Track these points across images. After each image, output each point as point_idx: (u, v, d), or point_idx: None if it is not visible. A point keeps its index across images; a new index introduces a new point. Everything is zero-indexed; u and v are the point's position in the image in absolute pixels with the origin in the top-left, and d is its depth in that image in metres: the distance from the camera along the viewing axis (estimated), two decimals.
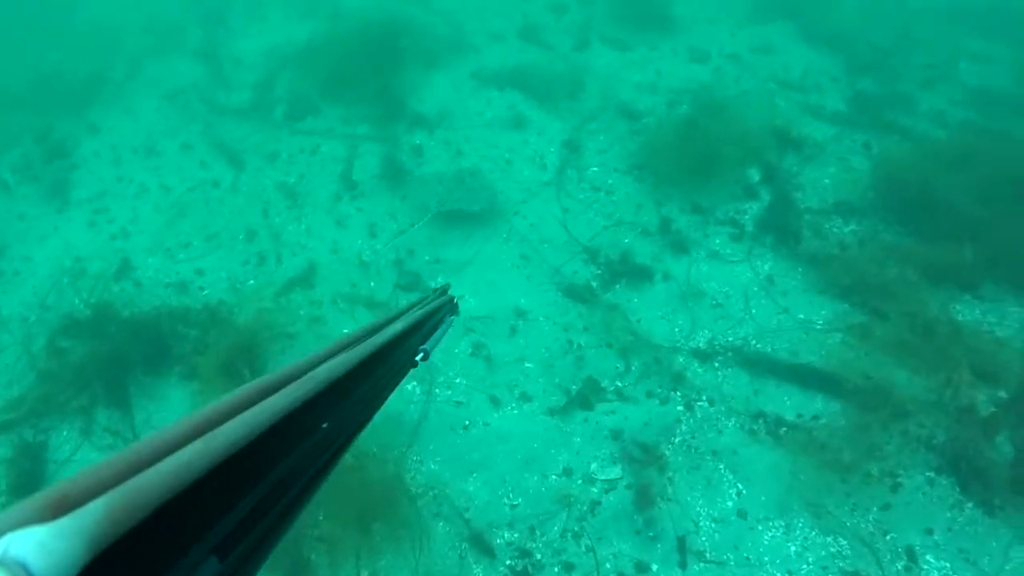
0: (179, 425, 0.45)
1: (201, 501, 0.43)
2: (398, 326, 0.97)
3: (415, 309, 1.22)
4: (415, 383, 5.74)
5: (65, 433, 5.80)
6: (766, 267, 6.39)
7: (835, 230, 6.70)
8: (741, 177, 7.01)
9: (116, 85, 9.24)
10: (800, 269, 6.38)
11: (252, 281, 6.67)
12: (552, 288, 6.27)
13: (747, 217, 6.77)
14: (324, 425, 0.66)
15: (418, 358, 1.09)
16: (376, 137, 7.81)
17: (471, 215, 6.85)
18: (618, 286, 6.28)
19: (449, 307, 1.51)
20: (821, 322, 6.03)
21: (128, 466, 0.39)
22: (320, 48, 9.01)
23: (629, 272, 6.33)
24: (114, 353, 6.17)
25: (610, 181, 7.13)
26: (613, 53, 8.83)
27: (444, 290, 1.61)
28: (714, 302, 6.17)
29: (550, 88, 8.14)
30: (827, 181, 7.09)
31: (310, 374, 0.63)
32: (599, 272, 6.37)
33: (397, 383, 0.98)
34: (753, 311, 6.10)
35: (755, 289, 6.23)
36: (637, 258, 6.43)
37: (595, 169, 7.25)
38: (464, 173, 7.19)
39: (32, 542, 0.31)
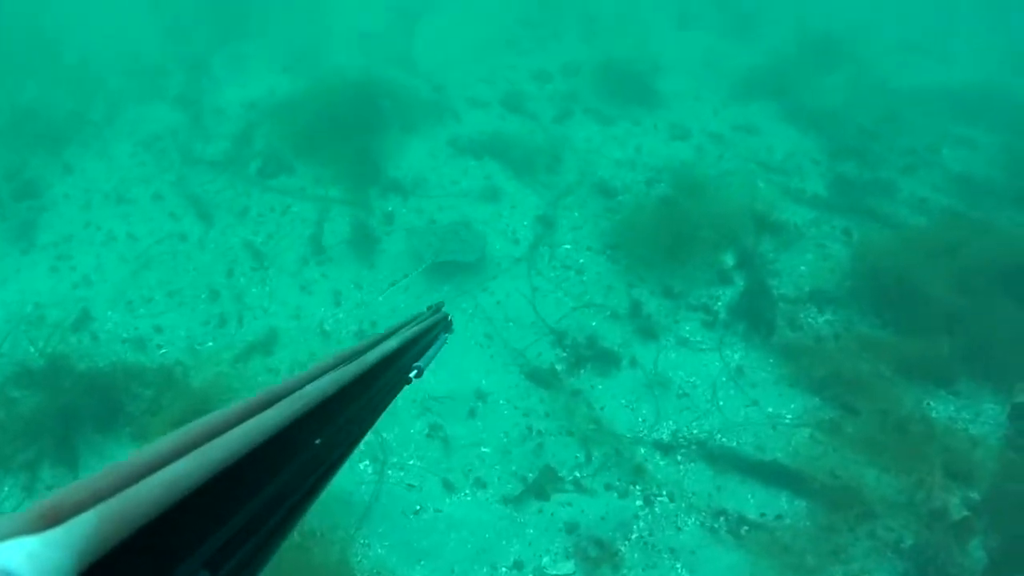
0: (172, 438, 0.45)
1: (193, 515, 0.42)
2: (392, 343, 0.97)
3: (409, 326, 1.21)
4: (367, 462, 5.56)
5: (7, 489, 5.57)
6: (736, 357, 6.28)
7: (810, 320, 6.62)
8: (716, 261, 6.94)
9: (94, 126, 9.12)
10: (771, 360, 6.28)
11: (211, 343, 6.50)
12: (515, 370, 6.14)
13: (720, 304, 6.68)
14: (317, 441, 0.65)
15: (412, 375, 1.08)
16: (348, 201, 7.71)
17: (463, 266, 6.87)
18: (583, 371, 6.14)
19: (443, 324, 1.51)
20: (790, 416, 5.91)
21: (120, 478, 0.38)
22: (300, 103, 8.94)
23: (595, 357, 6.21)
24: (66, 408, 5.96)
25: (582, 260, 7.04)
26: (594, 126, 8.82)
27: (438, 308, 1.59)
28: (680, 392, 6.04)
29: (528, 159, 8.10)
30: (804, 268, 7.04)
31: (304, 390, 0.63)
32: (564, 355, 6.25)
33: (391, 400, 0.97)
34: (720, 403, 5.98)
35: (724, 379, 6.12)
36: (604, 342, 6.31)
37: (567, 247, 7.17)
38: (457, 225, 7.21)
39: (22, 553, 0.31)
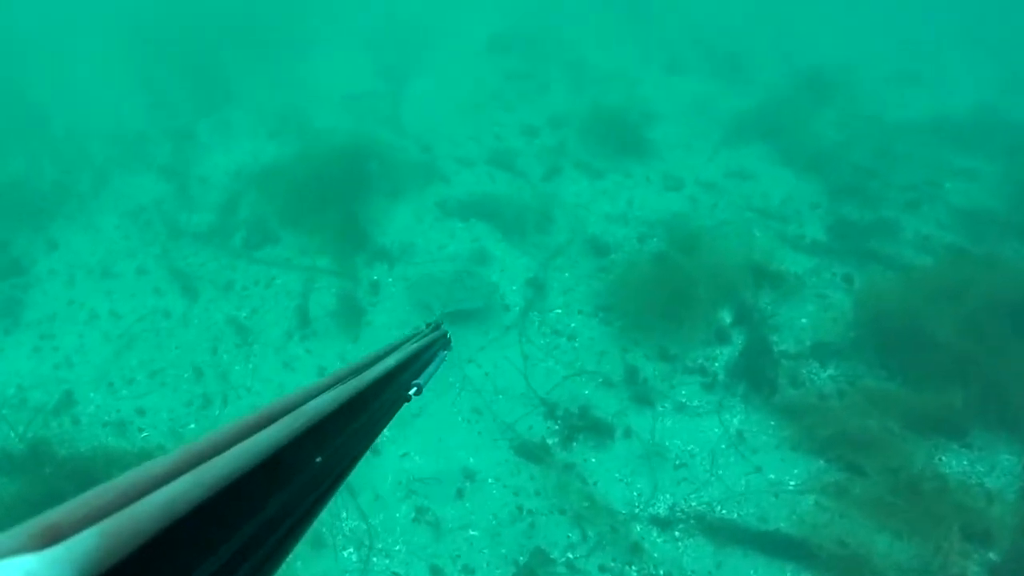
0: (172, 457, 0.44)
1: (193, 533, 0.41)
2: (391, 361, 0.97)
3: (409, 344, 1.20)
4: (352, 549, 5.33)
5: None
6: (736, 421, 6.04)
7: (812, 376, 6.38)
8: (713, 319, 6.72)
9: (80, 198, 9.05)
10: (773, 422, 6.03)
11: (193, 425, 6.32)
12: (504, 445, 5.90)
13: (718, 364, 6.45)
14: (317, 459, 0.64)
15: (411, 392, 1.08)
16: (334, 271, 7.56)
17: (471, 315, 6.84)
18: (575, 444, 5.90)
19: (442, 342, 1.50)
20: (794, 482, 5.65)
21: (120, 497, 0.38)
22: (286, 170, 8.83)
23: (588, 428, 5.97)
24: (46, 496, 5.77)
25: (573, 325, 6.83)
26: (584, 180, 8.66)
27: (437, 325, 1.57)
28: (678, 462, 5.79)
29: (517, 220, 7.94)
30: (804, 320, 6.81)
31: (304, 408, 0.62)
32: (556, 428, 6.01)
33: (390, 418, 0.96)
34: (720, 471, 5.73)
35: (723, 447, 5.87)
36: (597, 412, 6.07)
37: (558, 311, 6.97)
38: (461, 272, 7.19)
39: (21, 571, 0.31)
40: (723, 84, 10.81)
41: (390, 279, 7.40)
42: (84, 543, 0.33)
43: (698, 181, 8.62)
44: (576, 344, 6.65)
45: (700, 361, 6.45)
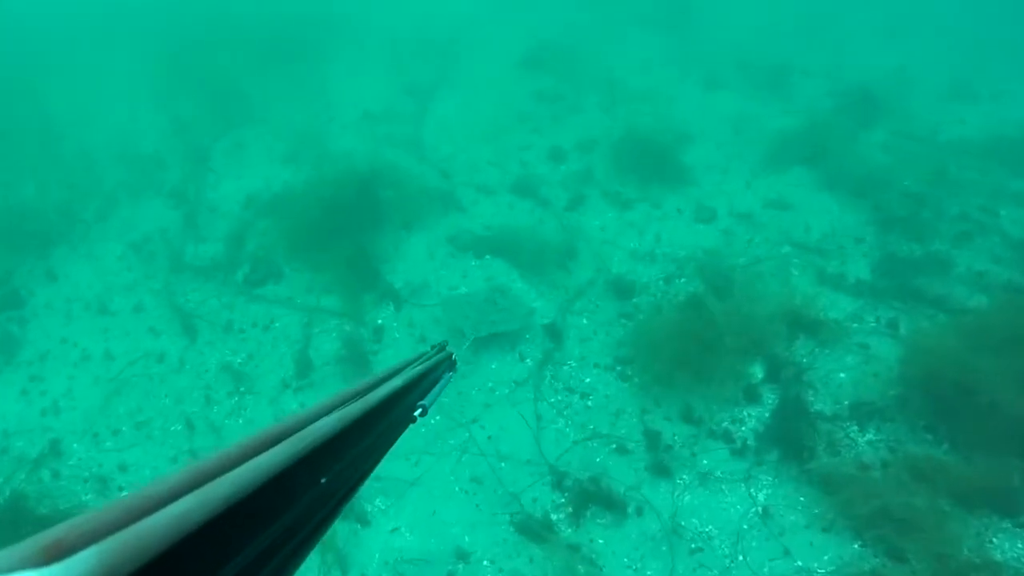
0: (177, 476, 0.44)
1: (197, 552, 0.40)
2: (397, 382, 0.95)
3: (414, 365, 1.18)
4: None
5: None
6: (762, 496, 5.38)
7: (850, 441, 5.69)
8: (743, 374, 6.06)
9: (85, 225, 8.73)
10: (802, 498, 5.36)
11: None
12: (504, 521, 5.33)
13: (746, 428, 5.79)
14: (323, 480, 0.63)
15: (416, 413, 1.05)
16: (338, 312, 7.07)
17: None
18: (584, 520, 5.31)
19: (447, 364, 1.49)
20: (823, 571, 4.99)
21: (123, 515, 0.37)
22: (297, 199, 8.40)
23: (599, 501, 5.37)
24: None
25: (588, 380, 6.23)
26: (611, 211, 8.04)
27: (442, 347, 1.55)
28: (696, 545, 5.16)
29: (537, 255, 7.36)
30: (843, 375, 6.10)
31: (310, 428, 0.61)
32: (563, 501, 5.42)
33: (395, 439, 0.94)
34: (742, 556, 5.09)
35: (746, 526, 5.22)
36: (610, 483, 5.46)
37: (572, 364, 6.37)
38: (494, 292, 6.80)
39: None
40: (764, 102, 10.07)
41: (395, 323, 6.88)
42: (84, 562, 0.33)
43: (733, 212, 7.93)
44: (590, 403, 6.05)
45: (726, 424, 5.80)
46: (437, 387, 1.26)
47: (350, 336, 6.76)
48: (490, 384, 6.21)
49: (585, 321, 6.73)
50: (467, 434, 5.88)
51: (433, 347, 1.53)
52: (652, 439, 5.70)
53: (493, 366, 6.36)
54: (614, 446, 5.70)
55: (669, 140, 9.13)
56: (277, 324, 7.07)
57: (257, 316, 7.18)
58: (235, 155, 9.72)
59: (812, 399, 5.91)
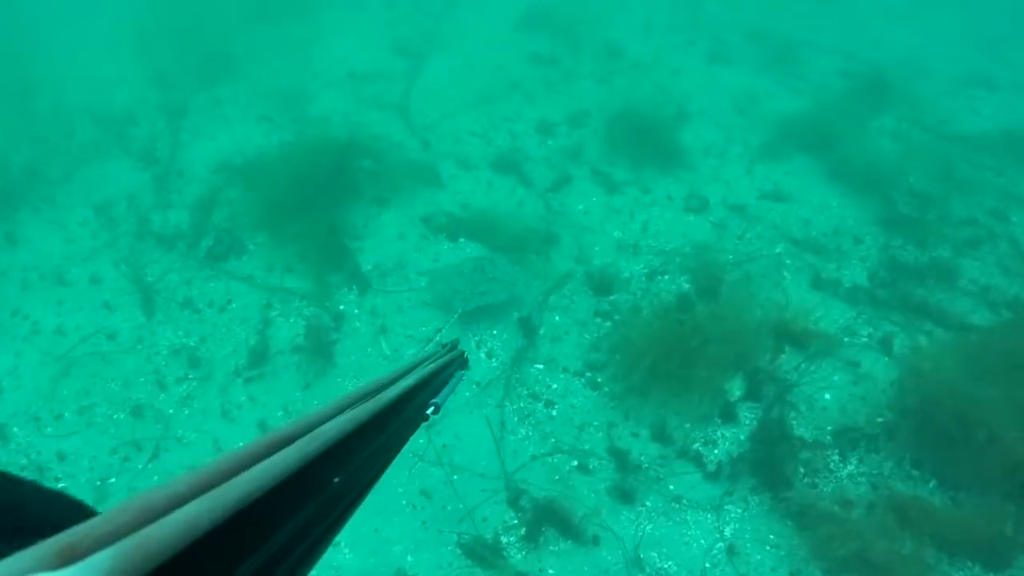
0: (190, 478, 0.44)
1: (211, 554, 0.41)
2: (409, 381, 0.94)
3: (425, 364, 1.16)
4: None
5: None
6: (730, 530, 5.03)
7: (830, 473, 5.32)
8: (721, 390, 5.66)
9: (50, 186, 8.31)
10: (772, 535, 5.01)
11: (114, 479, 5.60)
12: (451, 542, 5.00)
13: (719, 451, 5.42)
14: (336, 480, 0.62)
15: (429, 412, 1.04)
16: (301, 293, 6.68)
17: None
18: (536, 545, 4.97)
19: (459, 361, 1.45)
20: None
21: (137, 517, 0.37)
22: (270, 164, 7.96)
23: (554, 525, 5.03)
24: None
25: (555, 386, 5.84)
26: (596, 194, 7.55)
27: (454, 345, 1.50)
28: None
29: (514, 242, 6.91)
30: (829, 396, 5.71)
31: (322, 428, 0.61)
32: (515, 522, 5.08)
33: (408, 437, 0.92)
34: None
35: (709, 565, 4.88)
36: (566, 507, 5.11)
37: (539, 367, 5.98)
38: (482, 260, 6.47)
39: None
40: (771, 80, 9.45)
41: (357, 311, 6.49)
42: (99, 564, 0.33)
43: (726, 202, 7.43)
44: (555, 412, 5.67)
45: (698, 445, 5.42)
46: (449, 385, 1.24)
47: (310, 322, 6.37)
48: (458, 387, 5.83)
49: (558, 318, 6.32)
50: (424, 440, 5.53)
51: (443, 345, 1.50)
52: (618, 458, 5.34)
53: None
54: (576, 463, 5.34)
55: (666, 117, 8.59)
56: (235, 304, 6.69)
57: (215, 294, 6.81)
58: (211, 113, 9.24)
59: (794, 422, 5.51)
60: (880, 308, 6.35)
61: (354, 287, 6.69)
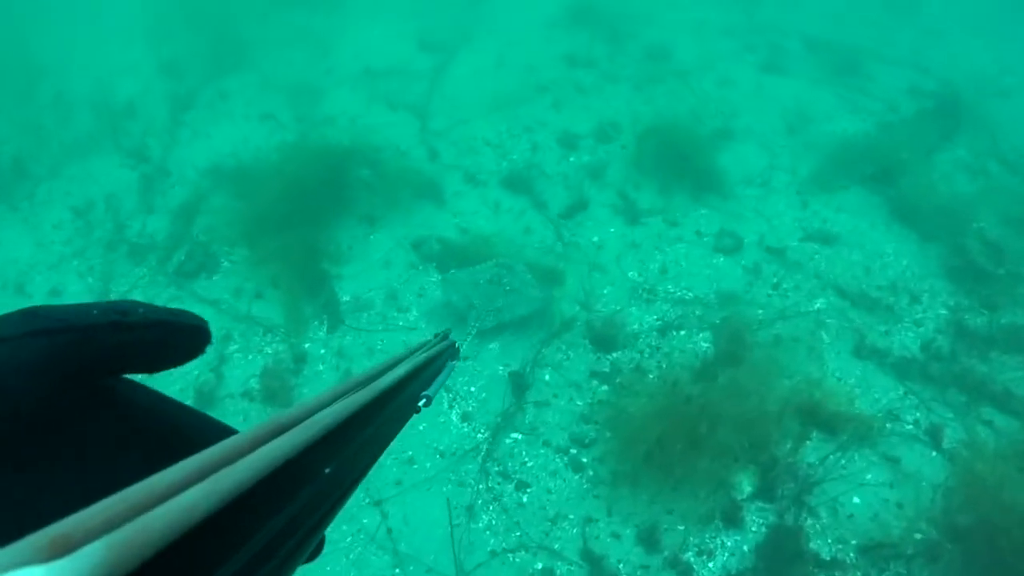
0: (182, 467, 0.41)
1: (204, 544, 0.39)
2: (400, 371, 0.87)
3: (417, 354, 1.08)
4: None
5: None
6: None
7: None
8: (727, 484, 4.73)
9: (34, 182, 7.77)
10: None
11: None
12: None
13: (715, 565, 4.49)
14: (327, 470, 0.59)
15: (420, 404, 1.00)
16: (267, 325, 5.95)
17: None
18: None
19: (450, 351, 1.36)
20: None
21: (130, 508, 0.36)
22: (263, 171, 7.26)
23: None
24: None
25: (531, 463, 4.97)
26: (615, 224, 6.63)
27: (445, 335, 1.39)
28: None
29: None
30: (857, 500, 4.72)
31: (315, 417, 0.57)
32: None
33: (399, 429, 0.88)
34: None
35: None
36: None
37: (518, 436, 5.12)
38: (500, 269, 5.73)
39: None
40: (830, 95, 8.30)
41: (323, 350, 5.73)
42: (92, 555, 0.32)
43: (764, 242, 6.42)
44: (526, 497, 4.81)
45: (691, 555, 4.50)
46: (440, 376, 1.16)
47: (268, 363, 5.64)
48: (410, 452, 5.02)
49: (548, 376, 5.44)
50: (377, 518, 4.74)
51: (436, 335, 1.37)
52: (592, 564, 4.46)
53: (421, 427, 5.15)
54: (540, 566, 4.48)
55: (706, 134, 7.58)
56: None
57: None
58: (215, 108, 8.57)
59: (811, 531, 4.55)
60: (933, 386, 5.30)
61: (325, 321, 5.93)
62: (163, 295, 6.35)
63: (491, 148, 7.55)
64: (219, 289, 6.33)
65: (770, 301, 5.91)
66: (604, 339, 5.59)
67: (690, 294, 5.98)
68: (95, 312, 0.53)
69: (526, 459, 4.98)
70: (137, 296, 6.37)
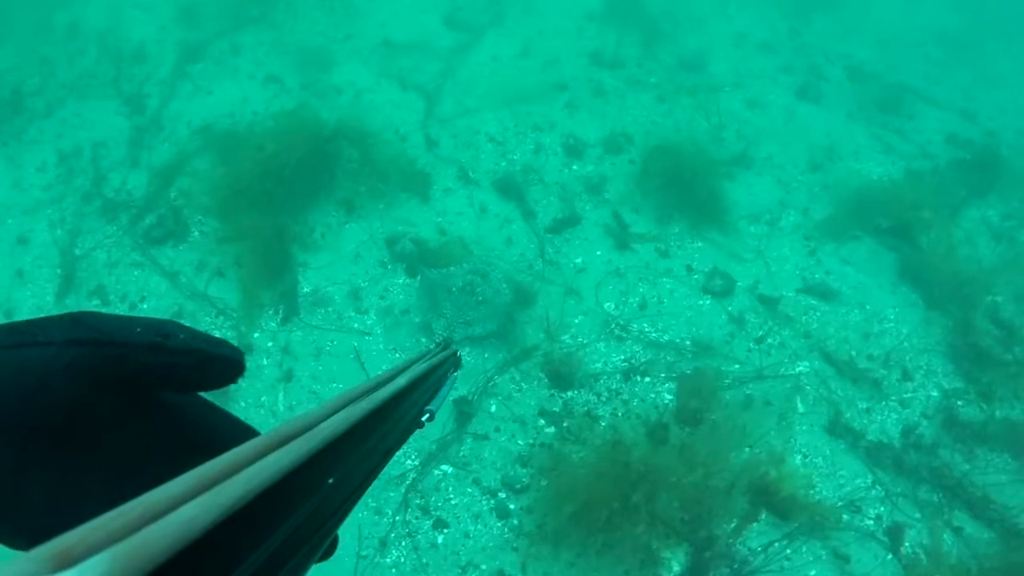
0: (186, 478, 0.41)
1: (207, 557, 0.39)
2: (401, 381, 0.85)
3: (418, 363, 1.04)
4: None
5: None
6: None
7: None
8: (655, 559, 4.39)
9: (28, 116, 7.57)
10: None
11: None
12: None
13: None
14: (330, 480, 0.59)
15: (424, 419, 1.00)
16: (220, 307, 5.70)
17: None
18: None
19: (452, 361, 1.35)
20: None
21: (134, 520, 0.36)
22: (253, 137, 6.94)
23: None
24: None
25: (456, 500, 4.67)
26: (603, 247, 6.23)
27: (446, 344, 1.40)
28: None
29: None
30: None
31: (318, 427, 0.56)
32: None
33: (402, 442, 0.87)
34: None
35: None
36: None
37: (447, 469, 4.81)
38: (476, 277, 5.43)
39: None
40: (863, 132, 7.69)
41: (270, 343, 5.46)
42: (95, 568, 0.31)
43: (757, 288, 5.99)
44: (441, 538, 4.52)
45: None
46: (443, 389, 1.16)
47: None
48: None
49: (494, 408, 5.12)
50: None
51: (437, 344, 1.40)
52: None
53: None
54: None
55: (722, 158, 7.10)
56: (146, 306, 5.79)
57: (132, 287, 5.93)
58: (223, 62, 8.27)
59: None
60: (905, 479, 4.88)
61: (280, 311, 5.66)
62: (125, 260, 6.13)
63: (493, 144, 7.16)
64: (183, 261, 6.09)
65: (750, 357, 5.49)
66: (562, 375, 5.24)
67: (665, 336, 5.58)
68: (138, 329, 0.56)
69: (451, 496, 4.68)
70: (100, 256, 6.18)
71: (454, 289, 5.39)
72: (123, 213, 6.53)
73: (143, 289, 5.89)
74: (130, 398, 0.56)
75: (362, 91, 7.85)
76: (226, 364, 0.61)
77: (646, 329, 5.63)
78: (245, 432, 0.67)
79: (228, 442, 0.50)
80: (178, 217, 6.40)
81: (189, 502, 0.39)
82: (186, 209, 6.47)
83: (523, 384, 5.23)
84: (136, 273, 6.02)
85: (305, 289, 5.83)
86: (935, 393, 5.36)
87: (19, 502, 0.51)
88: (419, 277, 5.61)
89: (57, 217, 6.54)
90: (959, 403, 5.27)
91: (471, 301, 5.35)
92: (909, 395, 5.35)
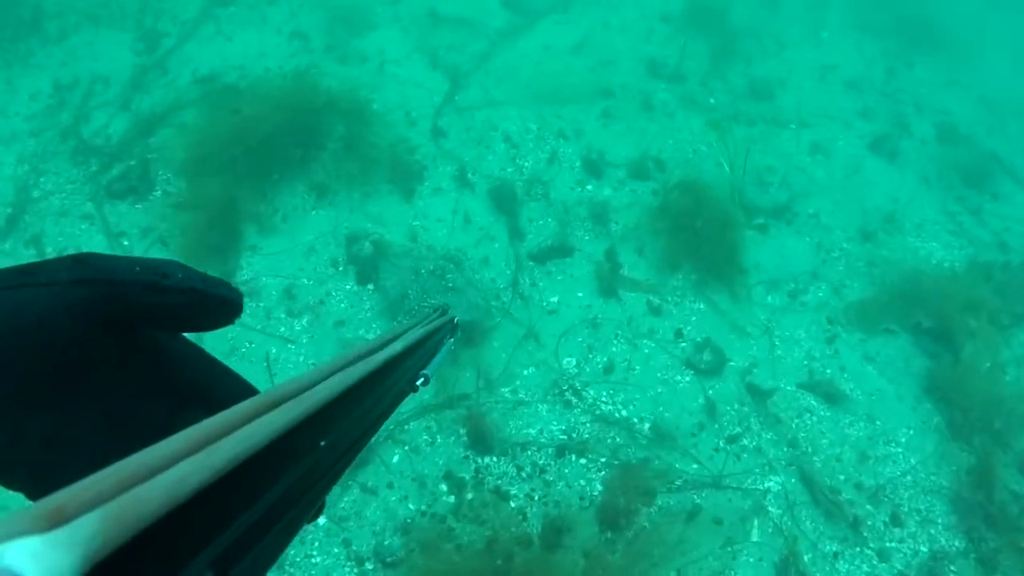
0: (179, 438, 0.42)
1: (199, 515, 0.40)
2: (398, 346, 0.88)
3: (414, 328, 1.06)
4: None
5: None
6: None
7: None
8: None
9: (40, 39, 7.22)
10: None
11: None
12: None
13: None
14: (322, 443, 0.61)
15: (419, 383, 0.99)
16: None
17: None
18: None
19: (449, 327, 1.34)
20: None
21: (126, 478, 0.36)
22: (253, 98, 6.43)
23: None
24: None
25: (316, 560, 4.04)
26: (586, 290, 5.42)
27: (444, 310, 1.38)
28: None
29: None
30: None
31: (312, 390, 0.58)
32: None
33: (396, 406, 0.91)
34: None
35: None
36: None
37: (320, 523, 4.18)
38: (448, 263, 5.13)
39: (26, 553, 0.30)
40: (934, 205, 6.48)
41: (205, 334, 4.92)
42: (88, 526, 0.32)
43: (749, 374, 5.08)
44: None
45: None
46: (439, 355, 1.14)
47: None
48: None
49: (396, 459, 4.44)
50: None
51: (434, 309, 1.35)
52: None
53: None
54: None
55: (759, 206, 6.15)
56: None
57: (71, 243, 5.49)
58: (254, 9, 7.72)
59: None
60: None
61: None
62: (75, 211, 5.71)
63: (506, 145, 6.41)
64: (131, 222, 5.62)
65: (714, 458, 4.63)
66: (485, 436, 4.51)
67: (622, 412, 4.77)
68: (137, 269, 0.55)
69: (314, 554, 4.05)
70: (53, 202, 5.77)
71: (423, 271, 4.96)
72: (94, 159, 6.10)
73: (80, 246, 5.44)
74: (130, 341, 0.55)
75: (388, 62, 7.18)
76: (223, 304, 0.60)
77: (602, 399, 4.82)
78: (244, 390, 0.66)
79: (226, 398, 0.55)
80: (146, 172, 5.93)
81: (181, 462, 0.38)
82: (158, 163, 5.98)
83: (438, 437, 4.53)
84: (81, 228, 5.58)
85: (244, 276, 5.25)
86: (924, 548, 4.39)
87: (16, 440, 0.50)
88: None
89: (29, 152, 6.16)
90: (950, 567, 4.29)
91: (439, 285, 4.90)
92: (892, 545, 4.39)
